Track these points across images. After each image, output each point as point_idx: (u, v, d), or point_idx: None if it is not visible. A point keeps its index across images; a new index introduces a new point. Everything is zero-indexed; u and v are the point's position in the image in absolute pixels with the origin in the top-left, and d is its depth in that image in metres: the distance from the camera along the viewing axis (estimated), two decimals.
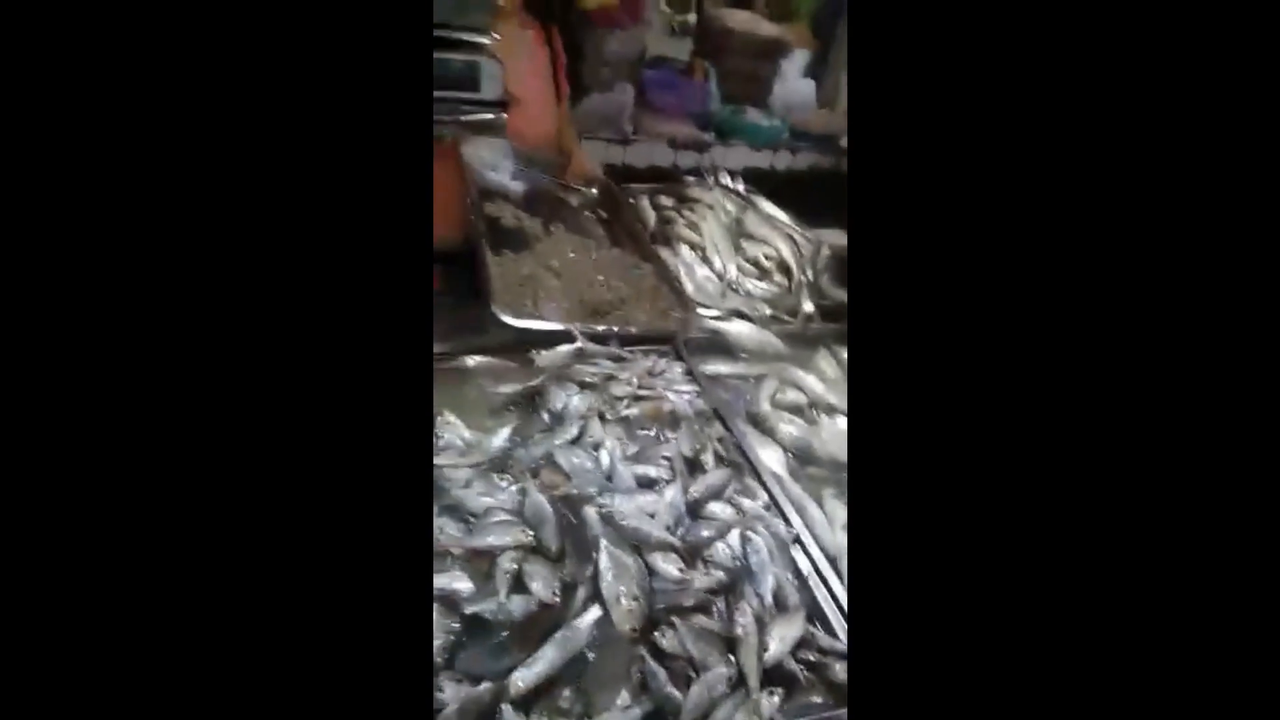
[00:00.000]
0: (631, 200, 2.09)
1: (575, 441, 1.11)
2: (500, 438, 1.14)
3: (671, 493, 1.01)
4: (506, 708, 0.78)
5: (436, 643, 0.81)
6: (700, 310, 1.63)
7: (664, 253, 1.82)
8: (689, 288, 1.72)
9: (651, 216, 2.02)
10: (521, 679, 0.79)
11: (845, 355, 1.63)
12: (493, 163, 1.69)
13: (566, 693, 0.81)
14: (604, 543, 0.92)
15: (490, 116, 1.48)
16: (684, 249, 1.88)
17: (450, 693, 0.78)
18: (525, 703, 0.79)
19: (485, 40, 1.43)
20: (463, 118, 1.47)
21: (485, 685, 0.79)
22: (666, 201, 2.11)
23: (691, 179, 2.30)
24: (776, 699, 0.82)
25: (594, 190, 2.03)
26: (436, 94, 1.50)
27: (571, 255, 1.61)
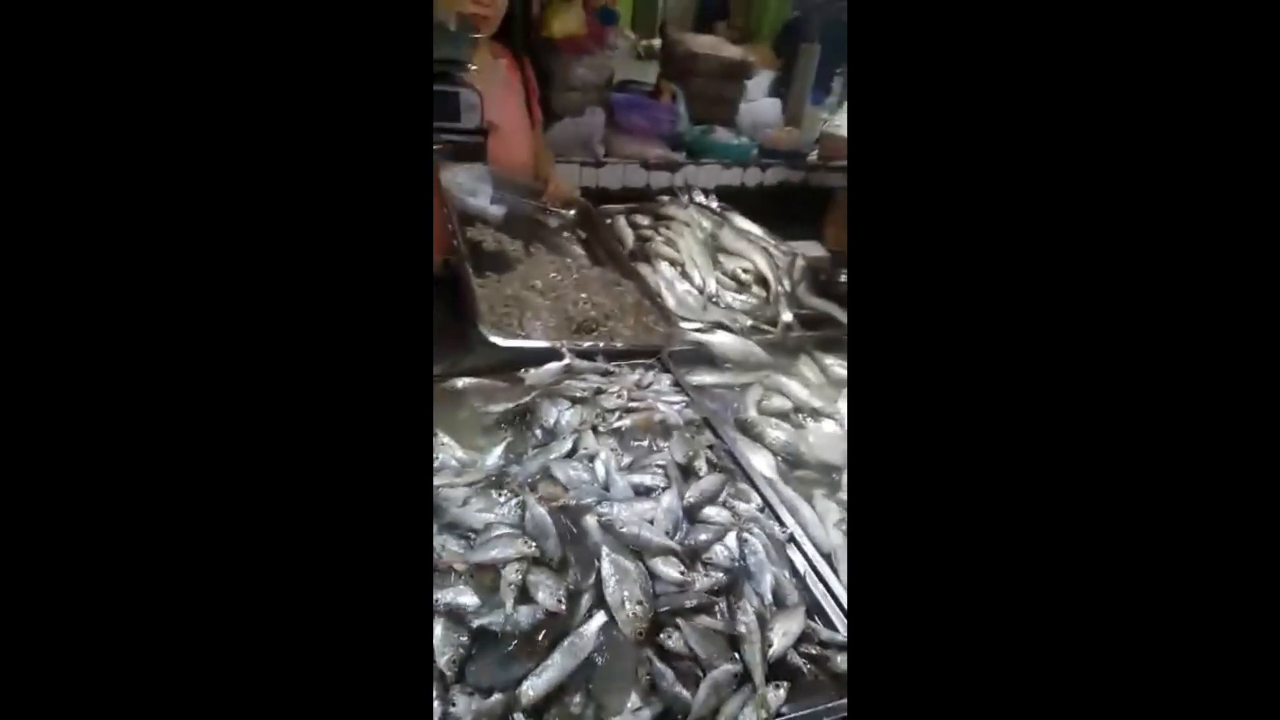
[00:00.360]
0: (609, 220, 2.13)
1: (570, 455, 1.13)
2: (494, 456, 1.16)
3: (668, 499, 1.03)
4: (519, 717, 0.79)
5: (446, 657, 0.82)
6: (683, 324, 1.67)
7: (644, 270, 1.86)
8: (671, 302, 1.76)
9: (629, 235, 2.06)
10: (532, 688, 0.81)
11: (826, 361, 1.68)
12: (472, 189, 1.72)
13: (577, 699, 0.82)
14: (605, 550, 0.93)
15: (470, 144, 1.52)
16: (663, 265, 1.92)
17: (463, 705, 0.79)
18: (537, 711, 0.81)
19: (463, 71, 1.47)
20: (444, 146, 1.50)
21: (497, 696, 0.80)
22: (643, 220, 2.15)
23: (666, 198, 2.35)
24: (782, 692, 0.85)
25: (572, 212, 2.07)
26: None
27: (554, 275, 1.64)
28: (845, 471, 1.30)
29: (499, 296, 1.53)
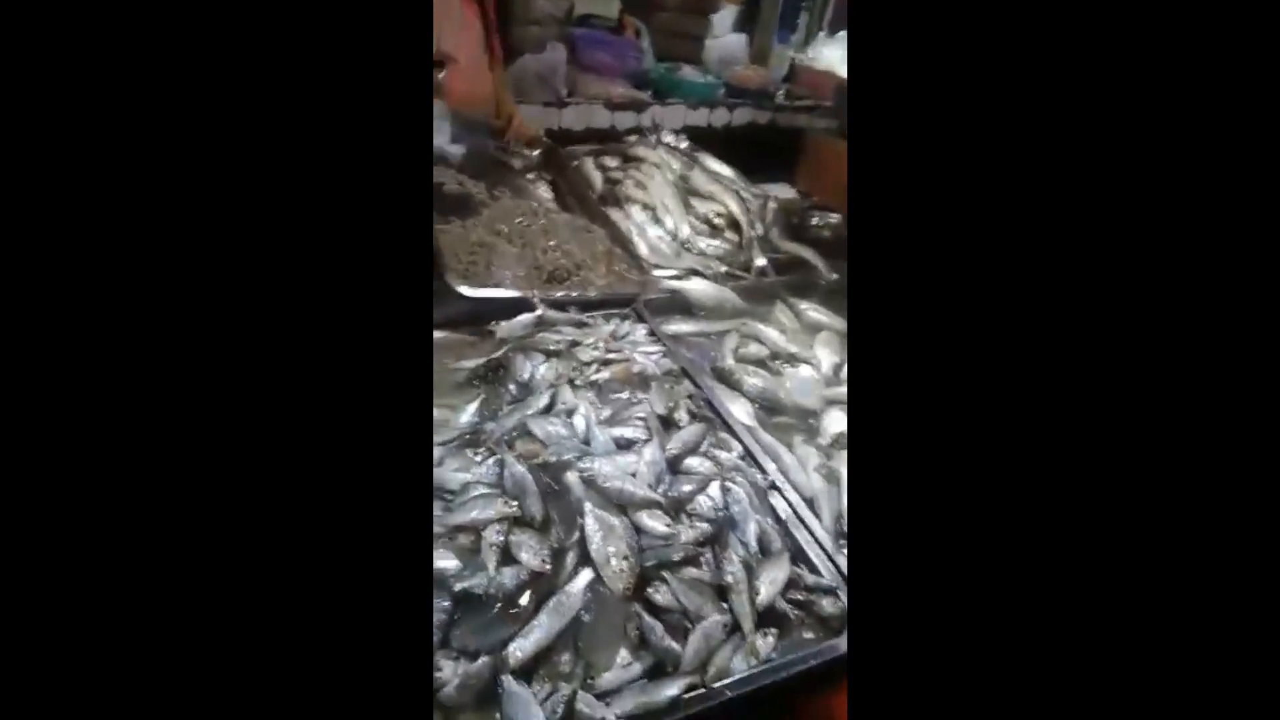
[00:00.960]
0: (575, 162, 2.04)
1: (548, 410, 1.09)
2: (468, 414, 1.12)
3: (650, 451, 1.01)
4: (507, 678, 0.77)
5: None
6: (657, 271, 1.62)
7: (614, 214, 1.80)
8: (643, 249, 1.71)
9: (597, 178, 1.98)
10: (520, 649, 0.79)
11: (801, 306, 1.66)
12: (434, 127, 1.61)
13: (566, 657, 0.81)
14: (588, 506, 0.91)
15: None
16: (634, 210, 1.85)
17: (449, 670, 0.77)
18: (526, 671, 0.79)
19: None
20: None
21: (484, 659, 0.78)
22: (611, 162, 2.07)
23: (634, 138, 2.26)
24: (771, 639, 0.85)
25: (536, 153, 1.97)
26: None
27: (520, 220, 1.57)
28: (823, 416, 1.30)
29: (464, 243, 1.45)
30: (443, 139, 1.65)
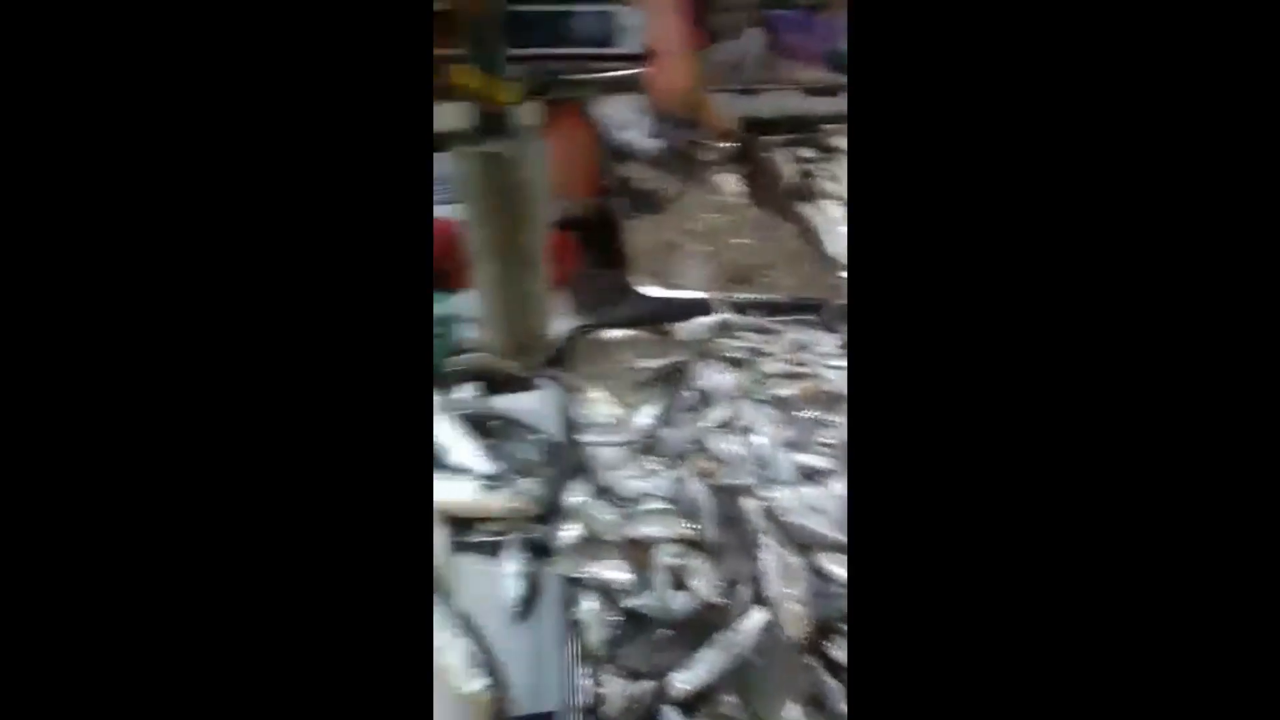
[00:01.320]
0: (768, 154, 1.95)
1: (726, 425, 1.04)
2: (645, 416, 1.09)
3: (838, 485, 0.92)
4: (669, 710, 0.74)
5: (598, 636, 0.79)
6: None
7: (807, 209, 1.68)
8: (835, 248, 1.58)
9: (791, 170, 1.87)
10: (683, 680, 0.76)
11: None
12: (626, 121, 1.61)
13: (730, 699, 0.76)
14: (768, 540, 0.85)
15: (626, 72, 1.40)
16: (828, 204, 1.72)
17: (613, 688, 0.75)
18: (687, 705, 0.76)
19: None
20: (597, 74, 1.40)
21: (647, 683, 0.76)
22: (806, 153, 1.94)
23: (830, 126, 2.10)
24: None
25: (731, 145, 1.90)
26: (569, 50, 1.44)
27: (711, 216, 1.52)
28: None
29: (652, 240, 1.44)
30: (638, 133, 1.64)
